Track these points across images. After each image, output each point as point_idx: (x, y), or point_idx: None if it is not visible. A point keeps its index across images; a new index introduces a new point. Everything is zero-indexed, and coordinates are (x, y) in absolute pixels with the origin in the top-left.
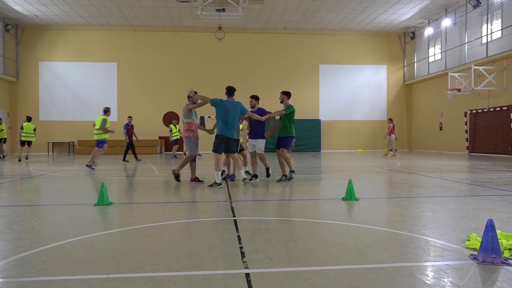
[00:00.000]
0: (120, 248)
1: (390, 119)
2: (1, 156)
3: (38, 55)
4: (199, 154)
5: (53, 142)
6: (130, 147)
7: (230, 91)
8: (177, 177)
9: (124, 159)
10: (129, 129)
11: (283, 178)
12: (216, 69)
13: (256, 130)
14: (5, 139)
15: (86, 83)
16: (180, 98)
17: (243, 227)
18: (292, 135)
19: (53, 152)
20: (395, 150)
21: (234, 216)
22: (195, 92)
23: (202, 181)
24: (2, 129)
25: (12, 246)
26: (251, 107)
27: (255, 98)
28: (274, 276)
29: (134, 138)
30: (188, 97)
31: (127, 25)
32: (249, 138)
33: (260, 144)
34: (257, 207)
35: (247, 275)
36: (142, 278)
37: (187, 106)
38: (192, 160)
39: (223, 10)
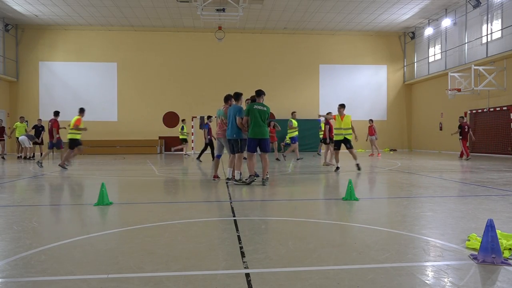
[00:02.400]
0: (120, 248)
1: (371, 120)
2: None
3: (38, 55)
4: (301, 158)
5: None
6: (210, 146)
7: (235, 96)
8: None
9: (198, 158)
10: (209, 128)
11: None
12: (216, 69)
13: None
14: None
15: (86, 83)
16: (180, 98)
17: (243, 227)
18: (249, 137)
19: (53, 152)
20: (378, 150)
21: (234, 216)
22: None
23: (219, 178)
24: (15, 128)
25: (12, 246)
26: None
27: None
28: (274, 276)
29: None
30: (226, 99)
31: (127, 25)
32: None
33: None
34: (257, 207)
35: (247, 275)
36: (142, 278)
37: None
38: (217, 158)
39: (223, 10)
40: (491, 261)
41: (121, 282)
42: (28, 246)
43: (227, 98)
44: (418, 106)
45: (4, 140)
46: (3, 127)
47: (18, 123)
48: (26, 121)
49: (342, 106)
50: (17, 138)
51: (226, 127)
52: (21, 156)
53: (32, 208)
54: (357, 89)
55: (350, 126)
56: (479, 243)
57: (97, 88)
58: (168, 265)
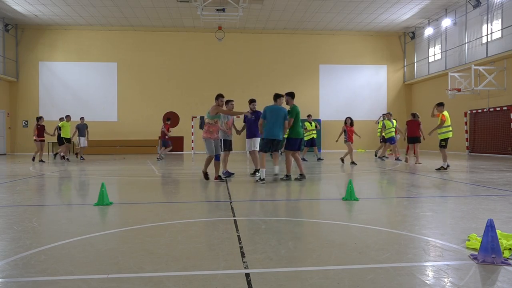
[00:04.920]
0: (120, 248)
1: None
2: (66, 158)
3: (38, 55)
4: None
5: (53, 142)
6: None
7: (275, 97)
8: (205, 175)
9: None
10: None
11: (284, 178)
12: (216, 69)
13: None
14: (70, 139)
15: (86, 83)
16: (180, 98)
17: (243, 227)
18: (292, 136)
19: (53, 152)
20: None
21: (234, 216)
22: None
23: (224, 180)
24: (62, 126)
25: (12, 246)
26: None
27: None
28: (274, 276)
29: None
30: (216, 99)
31: (127, 25)
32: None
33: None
34: (257, 207)
35: (247, 275)
36: (142, 278)
37: (216, 108)
38: (215, 159)
39: (223, 10)
40: (491, 261)
41: (121, 282)
42: (28, 246)
43: (216, 98)
44: (418, 106)
45: (44, 140)
46: (43, 126)
47: (65, 122)
48: (26, 121)
49: (438, 105)
50: (64, 138)
51: (214, 128)
52: (64, 156)
53: (32, 208)
54: (357, 89)
55: (441, 124)
56: (479, 243)
57: (97, 88)
58: (168, 265)
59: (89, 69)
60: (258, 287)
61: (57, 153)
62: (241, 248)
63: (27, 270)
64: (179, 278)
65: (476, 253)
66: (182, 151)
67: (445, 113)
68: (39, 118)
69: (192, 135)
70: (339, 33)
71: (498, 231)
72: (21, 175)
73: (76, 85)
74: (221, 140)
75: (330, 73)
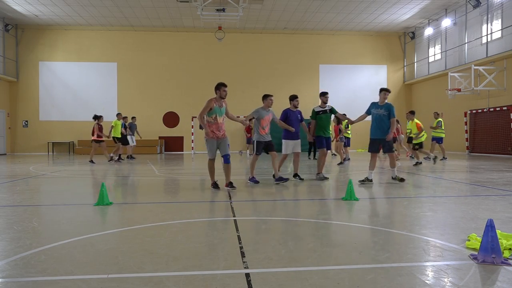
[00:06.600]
0: (120, 248)
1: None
2: (118, 159)
3: (38, 55)
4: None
5: (53, 142)
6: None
7: (386, 90)
8: (215, 185)
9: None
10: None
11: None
12: (216, 69)
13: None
14: (124, 137)
15: (86, 83)
16: (180, 98)
17: (243, 227)
18: (318, 135)
19: (53, 152)
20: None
21: (234, 216)
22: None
23: (235, 187)
24: (114, 126)
25: (12, 246)
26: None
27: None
28: (274, 276)
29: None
30: (217, 89)
31: (127, 25)
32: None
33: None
34: (257, 207)
35: (247, 275)
36: (142, 278)
37: (207, 102)
38: (225, 162)
39: (223, 10)
40: (491, 261)
41: (121, 282)
42: (28, 246)
43: (217, 87)
44: (418, 106)
45: (103, 141)
46: (101, 126)
47: (117, 120)
48: (26, 121)
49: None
50: (114, 137)
51: (215, 126)
52: (115, 157)
53: (32, 208)
54: (357, 89)
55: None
56: (479, 243)
57: (97, 88)
58: (168, 265)
59: (89, 69)
60: (258, 287)
61: (130, 155)
62: (241, 248)
63: (27, 270)
64: (179, 278)
65: (476, 253)
66: (182, 151)
67: (416, 120)
68: (99, 117)
69: (192, 135)
70: (339, 33)
71: (498, 231)
72: (21, 175)
73: (76, 85)
74: (259, 141)
75: (330, 73)
